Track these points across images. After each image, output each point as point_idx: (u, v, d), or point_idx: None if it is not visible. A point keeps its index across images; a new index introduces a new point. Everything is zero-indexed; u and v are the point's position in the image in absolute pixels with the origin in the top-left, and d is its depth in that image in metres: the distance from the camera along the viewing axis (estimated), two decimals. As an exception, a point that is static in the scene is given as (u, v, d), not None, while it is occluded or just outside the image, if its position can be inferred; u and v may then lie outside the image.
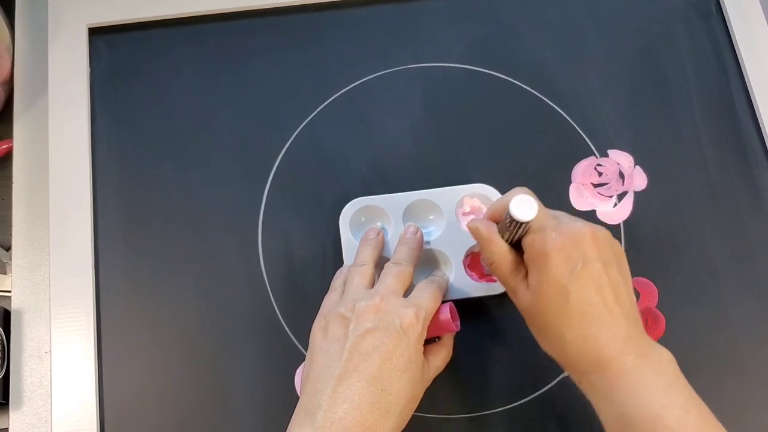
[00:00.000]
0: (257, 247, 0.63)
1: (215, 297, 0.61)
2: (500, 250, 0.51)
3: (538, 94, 0.68)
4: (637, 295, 0.62)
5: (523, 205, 0.48)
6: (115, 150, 0.66)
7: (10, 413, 0.59)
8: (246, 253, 0.63)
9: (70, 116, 0.65)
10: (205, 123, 0.66)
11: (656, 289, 0.63)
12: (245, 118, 0.67)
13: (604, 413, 0.48)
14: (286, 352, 0.60)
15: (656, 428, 0.45)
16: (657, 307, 0.62)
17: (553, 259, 0.48)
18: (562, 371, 0.60)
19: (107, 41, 0.69)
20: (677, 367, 0.48)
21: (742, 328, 0.62)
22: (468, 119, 0.67)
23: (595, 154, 0.67)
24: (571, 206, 0.65)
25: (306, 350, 0.60)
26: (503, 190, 0.65)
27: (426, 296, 0.52)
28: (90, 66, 0.67)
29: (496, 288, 0.59)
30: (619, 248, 0.51)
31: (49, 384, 0.59)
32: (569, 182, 0.66)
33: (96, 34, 0.69)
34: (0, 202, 0.66)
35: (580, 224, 0.49)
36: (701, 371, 0.61)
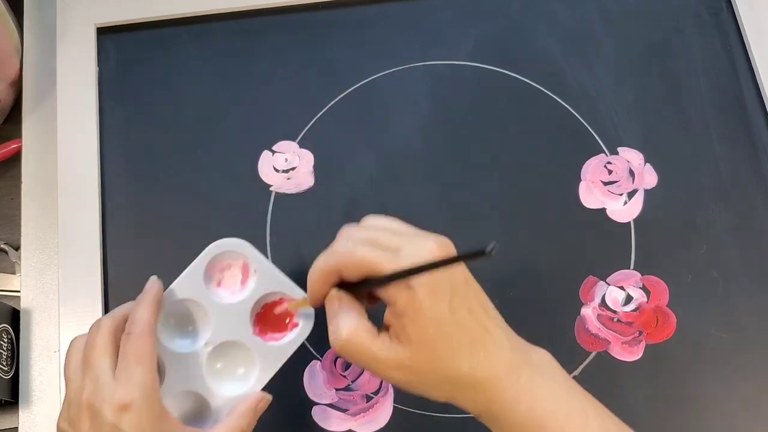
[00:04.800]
0: (266, 245, 0.63)
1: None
2: (355, 319, 0.44)
3: (548, 92, 0.68)
4: (648, 293, 0.62)
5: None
6: (124, 149, 0.66)
7: (20, 412, 0.59)
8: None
9: (78, 116, 0.66)
10: (213, 121, 0.66)
11: (667, 288, 0.62)
12: (253, 117, 0.67)
13: None
14: (295, 351, 0.60)
15: None
16: (667, 305, 0.62)
17: (426, 301, 0.42)
18: (570, 373, 0.60)
19: (115, 40, 0.69)
20: (561, 367, 0.47)
21: (754, 326, 0.62)
22: (477, 117, 0.67)
23: (604, 152, 0.66)
24: (581, 204, 0.64)
25: (315, 349, 0.60)
26: (512, 187, 0.65)
27: (134, 348, 0.46)
28: (98, 65, 0.68)
29: (301, 336, 0.52)
30: (465, 268, 0.46)
31: (58, 383, 0.59)
32: (579, 180, 0.65)
33: (104, 33, 0.69)
34: (9, 202, 0.66)
35: (430, 246, 0.43)
36: (712, 370, 0.60)
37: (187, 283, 0.51)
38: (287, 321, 0.52)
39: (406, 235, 0.45)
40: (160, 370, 0.50)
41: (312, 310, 0.51)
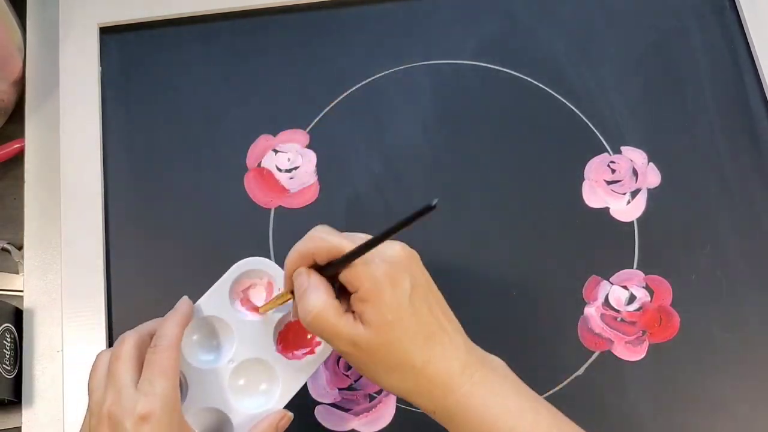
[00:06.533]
0: (268, 245, 0.63)
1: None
2: (324, 295, 0.46)
3: (551, 91, 0.68)
4: (651, 292, 0.62)
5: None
6: (127, 149, 0.66)
7: (23, 412, 0.59)
8: (258, 251, 0.63)
9: (81, 115, 0.66)
10: (216, 121, 0.66)
11: (670, 287, 0.62)
12: (256, 116, 0.67)
13: None
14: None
15: None
16: (671, 305, 0.62)
17: (386, 287, 0.45)
18: (573, 372, 0.60)
19: (118, 40, 0.69)
20: (511, 371, 0.49)
21: (758, 326, 0.62)
22: (479, 117, 0.67)
23: (608, 151, 0.66)
24: (584, 203, 0.64)
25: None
26: (515, 186, 0.65)
27: (159, 361, 0.47)
28: (101, 65, 0.68)
29: (324, 353, 0.52)
30: (426, 272, 0.49)
31: (62, 383, 0.59)
32: (582, 179, 0.65)
33: (107, 33, 0.69)
34: (12, 202, 0.66)
35: (397, 246, 0.47)
36: (716, 370, 0.60)
37: (212, 300, 0.52)
38: (309, 337, 0.53)
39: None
40: (183, 387, 0.51)
41: None
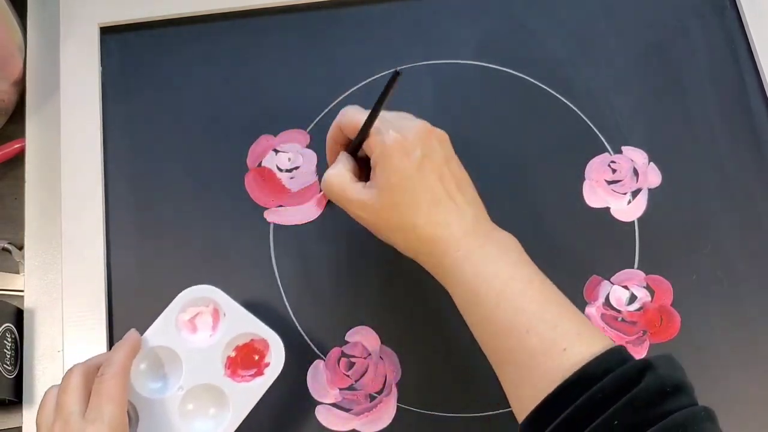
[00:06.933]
0: (269, 246, 0.63)
1: (227, 294, 0.61)
2: (341, 166, 0.53)
3: (551, 91, 0.68)
4: (652, 292, 0.62)
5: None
6: (127, 149, 0.66)
7: (24, 412, 0.59)
8: (258, 251, 0.63)
9: (81, 115, 0.66)
10: (216, 121, 0.66)
11: (671, 287, 0.62)
12: (256, 116, 0.67)
13: (456, 294, 0.50)
14: (298, 351, 0.60)
15: (499, 300, 0.48)
16: (672, 305, 0.62)
17: (395, 153, 0.49)
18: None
19: (119, 40, 0.69)
20: (521, 248, 0.51)
21: (758, 325, 0.62)
22: (480, 116, 0.67)
23: (608, 151, 0.66)
24: (585, 203, 0.64)
25: (318, 349, 0.61)
26: (515, 186, 0.65)
27: (106, 389, 0.48)
28: (101, 65, 0.68)
29: (272, 374, 0.54)
30: (453, 152, 0.53)
31: (62, 383, 0.59)
32: (582, 179, 0.65)
33: (107, 33, 0.69)
34: (12, 202, 0.66)
35: (420, 122, 0.52)
36: (717, 370, 0.60)
37: (159, 331, 0.54)
38: (257, 358, 0.54)
39: None
40: (133, 418, 0.52)
41: (282, 350, 0.54)
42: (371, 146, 0.51)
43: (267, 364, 0.54)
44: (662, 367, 0.43)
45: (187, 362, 0.53)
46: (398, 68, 0.46)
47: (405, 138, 0.50)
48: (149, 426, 0.52)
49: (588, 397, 0.43)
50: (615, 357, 0.45)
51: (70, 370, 0.50)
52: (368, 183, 0.51)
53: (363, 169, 0.54)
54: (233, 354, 0.55)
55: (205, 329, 0.55)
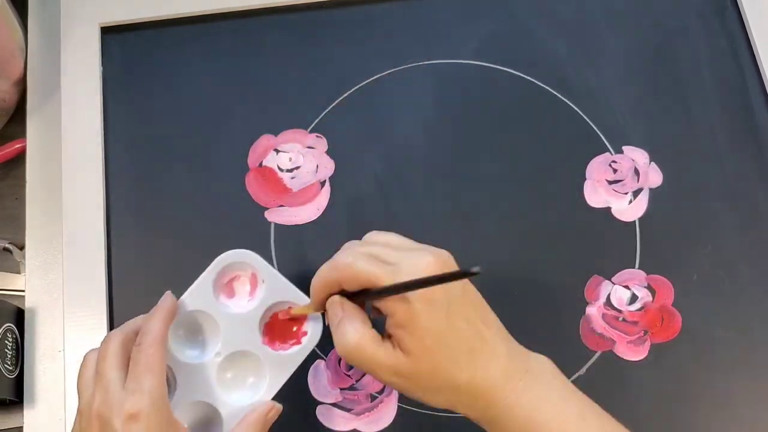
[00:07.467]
0: (270, 246, 0.63)
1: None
2: (361, 327, 0.46)
3: (552, 90, 0.68)
4: (653, 292, 0.62)
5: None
6: (128, 149, 0.66)
7: (25, 412, 0.59)
8: (259, 251, 0.62)
9: (82, 115, 0.66)
10: (217, 121, 0.66)
11: (672, 287, 0.62)
12: (257, 116, 0.67)
13: None
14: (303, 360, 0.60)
15: None
16: (672, 305, 0.62)
17: (423, 311, 0.44)
18: (575, 372, 0.60)
19: (119, 40, 0.69)
20: (560, 373, 0.48)
21: (759, 325, 0.62)
22: (481, 116, 0.67)
23: (609, 151, 0.66)
24: (586, 203, 0.64)
25: (319, 349, 0.60)
26: (516, 186, 0.65)
27: (144, 358, 0.46)
28: (102, 65, 0.68)
29: (309, 344, 0.52)
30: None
31: (63, 383, 0.59)
32: (583, 179, 0.65)
33: (108, 33, 0.69)
34: (13, 202, 0.66)
35: (429, 259, 0.45)
36: (718, 369, 0.60)
37: (196, 295, 0.52)
38: (295, 329, 0.53)
39: (406, 250, 0.47)
40: (171, 382, 0.51)
41: (320, 319, 0.52)
42: (392, 307, 0.45)
43: (305, 333, 0.52)
44: None
45: (224, 328, 0.52)
46: (478, 269, 0.38)
47: (430, 292, 0.44)
48: (187, 391, 0.51)
49: None
50: None
51: (108, 336, 0.48)
52: (393, 342, 0.46)
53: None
54: (270, 321, 0.53)
55: (243, 294, 0.53)
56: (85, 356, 0.49)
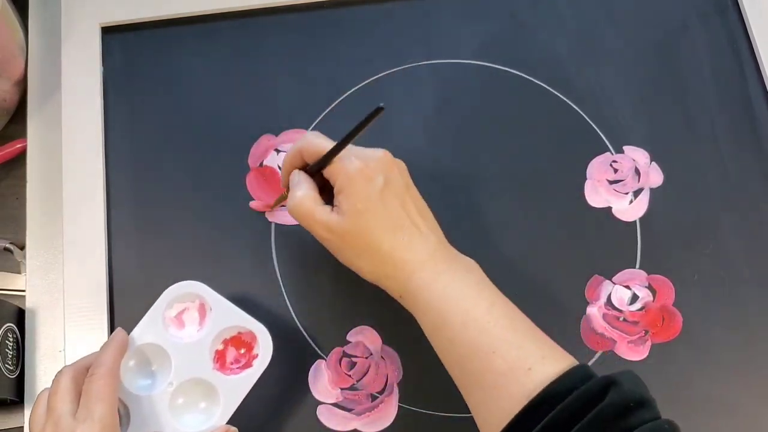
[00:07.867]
0: (270, 244, 0.63)
1: (228, 294, 0.61)
2: (306, 188, 0.53)
3: (553, 90, 0.68)
4: (654, 292, 0.62)
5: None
6: (129, 148, 0.66)
7: (25, 412, 0.59)
8: (259, 250, 0.63)
9: (83, 115, 0.66)
10: (217, 121, 0.66)
11: (672, 287, 0.62)
12: (258, 116, 0.67)
13: (421, 316, 0.51)
14: (300, 350, 0.60)
15: (465, 321, 0.49)
16: (673, 305, 0.62)
17: (359, 180, 0.51)
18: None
19: (120, 40, 0.69)
20: (482, 272, 0.53)
21: (760, 325, 0.61)
22: (482, 116, 0.67)
23: (610, 151, 0.66)
24: (586, 203, 0.64)
25: (320, 348, 0.60)
26: (517, 186, 0.65)
27: (95, 389, 0.48)
28: (103, 65, 0.68)
29: (260, 366, 0.54)
30: (411, 181, 0.55)
31: (64, 383, 0.59)
32: (584, 179, 0.65)
33: (109, 32, 0.69)
34: (14, 202, 0.66)
35: (381, 151, 0.53)
36: (718, 370, 0.60)
37: (147, 328, 0.54)
38: (243, 351, 0.55)
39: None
40: (124, 415, 0.53)
41: (269, 343, 0.54)
42: (334, 173, 0.52)
43: (255, 356, 0.54)
44: (625, 382, 0.44)
45: (175, 358, 0.54)
46: (381, 104, 0.48)
47: (367, 165, 0.51)
48: (141, 423, 0.52)
49: (553, 417, 0.43)
50: (579, 375, 0.46)
51: (60, 372, 0.50)
52: (334, 207, 0.52)
53: (323, 193, 0.54)
54: (221, 347, 0.55)
55: (192, 324, 0.55)
56: (38, 395, 0.50)
